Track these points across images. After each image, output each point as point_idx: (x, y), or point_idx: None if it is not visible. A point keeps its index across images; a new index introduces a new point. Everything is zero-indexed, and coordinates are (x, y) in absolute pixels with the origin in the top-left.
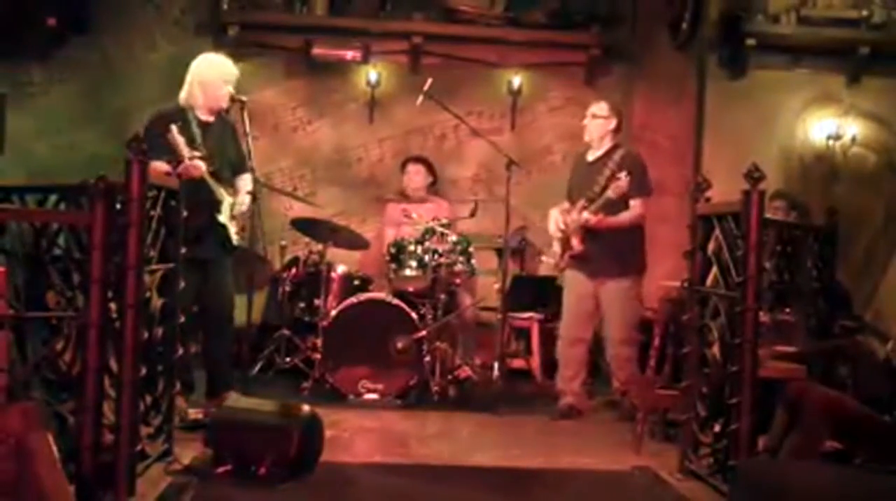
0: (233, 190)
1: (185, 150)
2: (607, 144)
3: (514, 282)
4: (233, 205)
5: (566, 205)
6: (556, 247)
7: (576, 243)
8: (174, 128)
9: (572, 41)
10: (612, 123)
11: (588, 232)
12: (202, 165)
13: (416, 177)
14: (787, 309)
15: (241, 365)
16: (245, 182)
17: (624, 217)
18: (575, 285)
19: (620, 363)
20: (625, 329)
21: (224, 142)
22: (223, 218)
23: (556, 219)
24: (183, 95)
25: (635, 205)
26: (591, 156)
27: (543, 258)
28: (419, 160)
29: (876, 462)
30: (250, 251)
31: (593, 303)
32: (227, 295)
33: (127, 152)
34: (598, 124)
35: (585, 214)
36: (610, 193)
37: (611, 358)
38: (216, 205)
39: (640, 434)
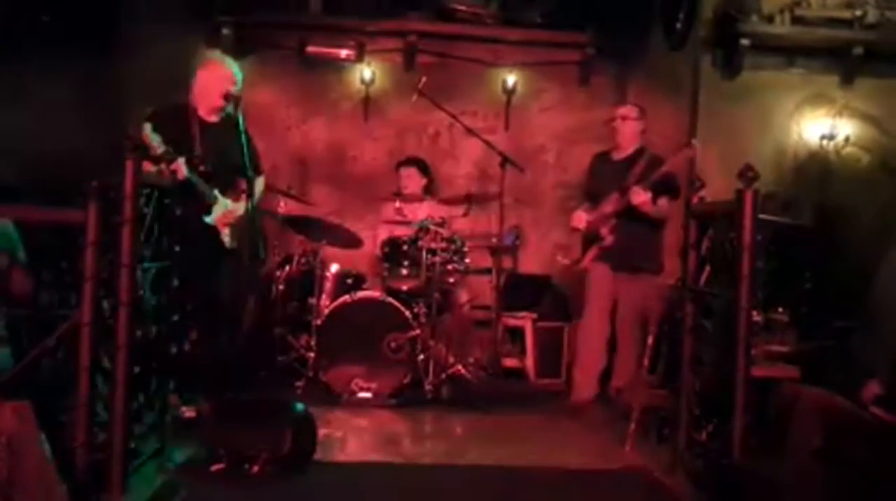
0: (234, 191)
1: (159, 150)
2: (635, 145)
3: (508, 281)
4: (227, 207)
5: (586, 205)
6: (574, 247)
7: (606, 234)
8: (147, 127)
9: (567, 40)
10: (643, 125)
11: (617, 225)
12: (184, 167)
13: (408, 181)
14: (780, 309)
15: (235, 364)
16: (258, 184)
17: (659, 209)
18: (599, 278)
19: (623, 362)
20: (634, 327)
21: (227, 143)
22: (210, 219)
23: (582, 216)
24: (190, 96)
25: (663, 203)
26: (618, 156)
27: (559, 257)
28: (411, 163)
29: (868, 462)
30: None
31: (614, 297)
32: (225, 296)
33: (120, 151)
34: (631, 125)
35: (637, 189)
36: (667, 167)
37: (617, 354)
38: (203, 206)
39: (633, 434)
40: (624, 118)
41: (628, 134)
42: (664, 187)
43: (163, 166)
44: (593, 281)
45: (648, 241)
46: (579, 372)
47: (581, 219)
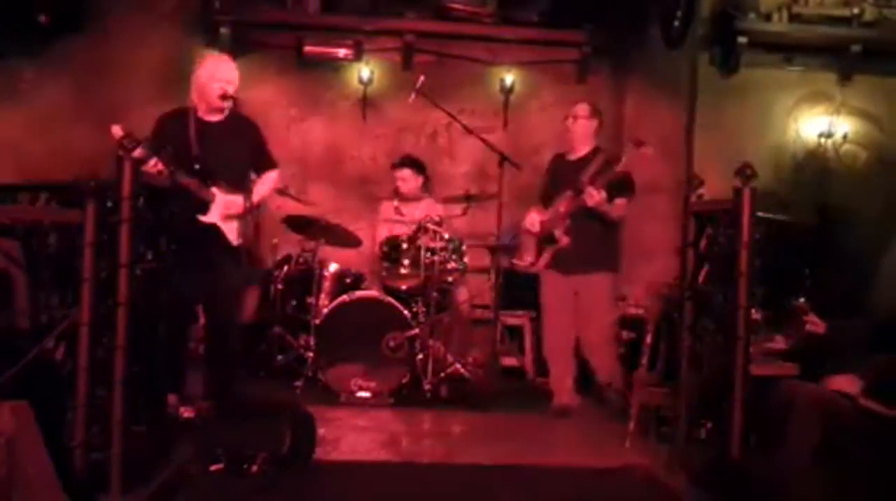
0: (236, 189)
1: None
2: (590, 145)
3: (507, 280)
4: (227, 203)
5: (538, 207)
6: (529, 249)
7: (560, 235)
8: (116, 128)
9: (564, 39)
10: (595, 124)
11: (571, 225)
12: (160, 166)
13: (402, 183)
14: (802, 299)
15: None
16: (266, 180)
17: (615, 209)
18: (553, 284)
19: (600, 364)
20: (603, 328)
21: (229, 141)
22: (208, 218)
23: (534, 219)
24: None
25: (620, 203)
26: (573, 156)
27: (514, 261)
28: (405, 164)
29: (866, 459)
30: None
31: (574, 300)
32: (227, 295)
33: (119, 150)
34: (581, 125)
35: (590, 190)
36: (621, 167)
37: (589, 357)
38: (200, 206)
39: (632, 431)
40: (575, 117)
41: (580, 133)
42: (619, 187)
43: (153, 163)
44: (548, 292)
45: (603, 241)
46: (553, 380)
47: (535, 221)
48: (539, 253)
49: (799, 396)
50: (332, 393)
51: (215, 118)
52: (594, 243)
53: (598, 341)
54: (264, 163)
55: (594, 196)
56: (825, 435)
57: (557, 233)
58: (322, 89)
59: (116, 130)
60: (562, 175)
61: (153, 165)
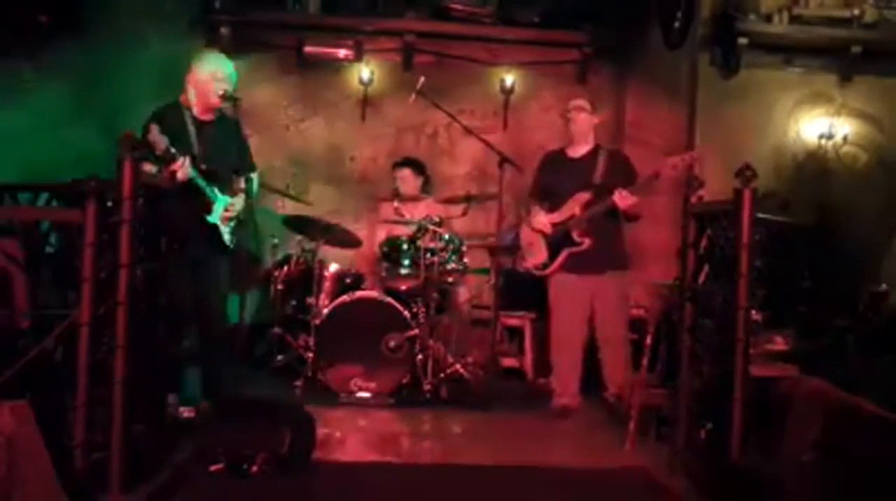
0: (232, 189)
1: (164, 149)
2: (591, 141)
3: (507, 280)
4: (227, 204)
5: (546, 206)
6: (539, 250)
7: (580, 237)
8: (154, 127)
9: (565, 40)
10: (596, 119)
11: (589, 226)
12: (188, 167)
13: (403, 182)
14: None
15: (233, 364)
16: (252, 181)
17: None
18: (567, 285)
19: (617, 366)
20: (621, 327)
21: (223, 141)
22: (212, 218)
23: (544, 220)
24: (183, 94)
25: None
26: (575, 153)
27: (523, 263)
28: (405, 164)
29: (866, 454)
30: (242, 250)
31: (588, 302)
32: (221, 295)
33: (119, 150)
34: (585, 118)
35: (624, 193)
36: (668, 167)
37: (606, 359)
38: (206, 205)
39: (632, 433)
40: (579, 110)
41: (584, 128)
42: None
43: (179, 164)
44: (561, 293)
45: (616, 239)
46: (558, 381)
47: (544, 222)
48: (551, 255)
49: (799, 391)
50: (331, 393)
51: (209, 117)
52: (608, 243)
53: (616, 344)
54: (247, 164)
55: (627, 198)
56: (824, 430)
57: (576, 234)
58: (322, 89)
59: (154, 132)
60: (565, 173)
61: (179, 165)
